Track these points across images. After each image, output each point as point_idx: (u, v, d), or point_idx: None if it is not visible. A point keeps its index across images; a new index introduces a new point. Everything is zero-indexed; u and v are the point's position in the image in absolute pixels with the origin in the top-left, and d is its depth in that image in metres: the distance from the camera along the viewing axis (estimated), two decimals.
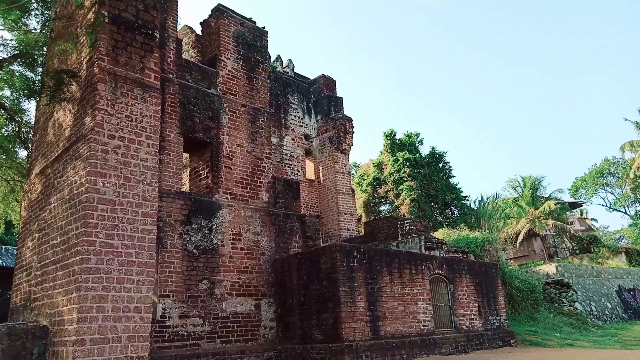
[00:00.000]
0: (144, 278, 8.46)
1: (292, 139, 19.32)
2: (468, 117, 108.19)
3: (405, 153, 33.35)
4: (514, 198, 37.90)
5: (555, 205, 34.64)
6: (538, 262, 28.79)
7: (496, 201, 34.27)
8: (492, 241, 22.39)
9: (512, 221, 34.40)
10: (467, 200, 34.93)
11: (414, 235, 15.30)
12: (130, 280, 8.28)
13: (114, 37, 9.27)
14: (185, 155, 13.40)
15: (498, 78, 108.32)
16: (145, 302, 8.39)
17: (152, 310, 8.85)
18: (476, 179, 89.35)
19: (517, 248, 33.67)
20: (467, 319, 14.55)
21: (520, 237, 33.18)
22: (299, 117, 19.88)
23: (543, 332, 17.51)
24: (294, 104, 19.79)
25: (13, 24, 8.71)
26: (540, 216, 33.91)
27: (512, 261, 32.73)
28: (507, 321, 16.35)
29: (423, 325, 12.79)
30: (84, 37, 9.42)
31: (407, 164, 32.81)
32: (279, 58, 20.57)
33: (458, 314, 14.26)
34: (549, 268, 24.01)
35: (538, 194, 36.82)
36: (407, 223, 15.79)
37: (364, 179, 35.86)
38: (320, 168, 19.99)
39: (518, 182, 39.27)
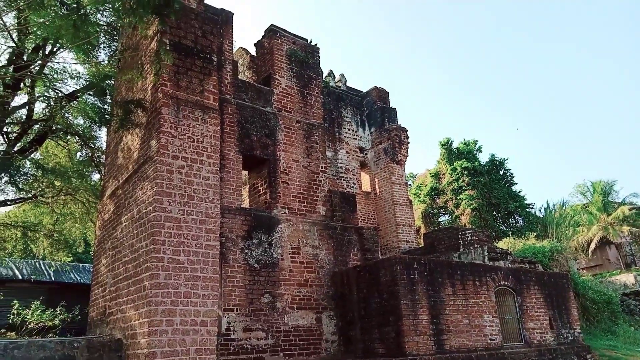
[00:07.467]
0: (209, 292, 8.76)
1: (347, 152, 19.48)
2: (528, 121, 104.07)
3: (464, 162, 32.64)
4: (584, 204, 35.72)
5: (630, 210, 32.39)
6: (614, 272, 26.96)
7: (564, 208, 32.64)
8: (562, 250, 21.26)
9: (583, 229, 32.50)
10: (532, 208, 33.49)
11: (476, 245, 14.83)
12: (197, 295, 8.60)
13: (175, 63, 9.80)
14: (245, 172, 13.81)
15: (558, 75, 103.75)
16: (211, 316, 8.67)
17: (218, 324, 9.12)
18: (541, 186, 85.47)
19: (590, 257, 31.75)
20: (537, 333, 13.84)
21: (593, 246, 31.28)
22: (352, 130, 20.04)
23: (624, 347, 16.34)
24: (347, 117, 20.00)
25: (85, 58, 9.41)
26: (614, 223, 31.82)
27: (584, 271, 30.90)
28: (581, 335, 15.39)
29: (490, 339, 12.31)
30: (148, 65, 10.03)
31: (466, 172, 32.19)
32: (331, 73, 20.84)
33: (527, 327, 13.60)
34: (627, 278, 22.48)
35: (610, 199, 34.51)
36: (468, 233, 15.32)
37: (421, 190, 35.39)
38: (376, 180, 20.00)
39: (587, 187, 36.59)
